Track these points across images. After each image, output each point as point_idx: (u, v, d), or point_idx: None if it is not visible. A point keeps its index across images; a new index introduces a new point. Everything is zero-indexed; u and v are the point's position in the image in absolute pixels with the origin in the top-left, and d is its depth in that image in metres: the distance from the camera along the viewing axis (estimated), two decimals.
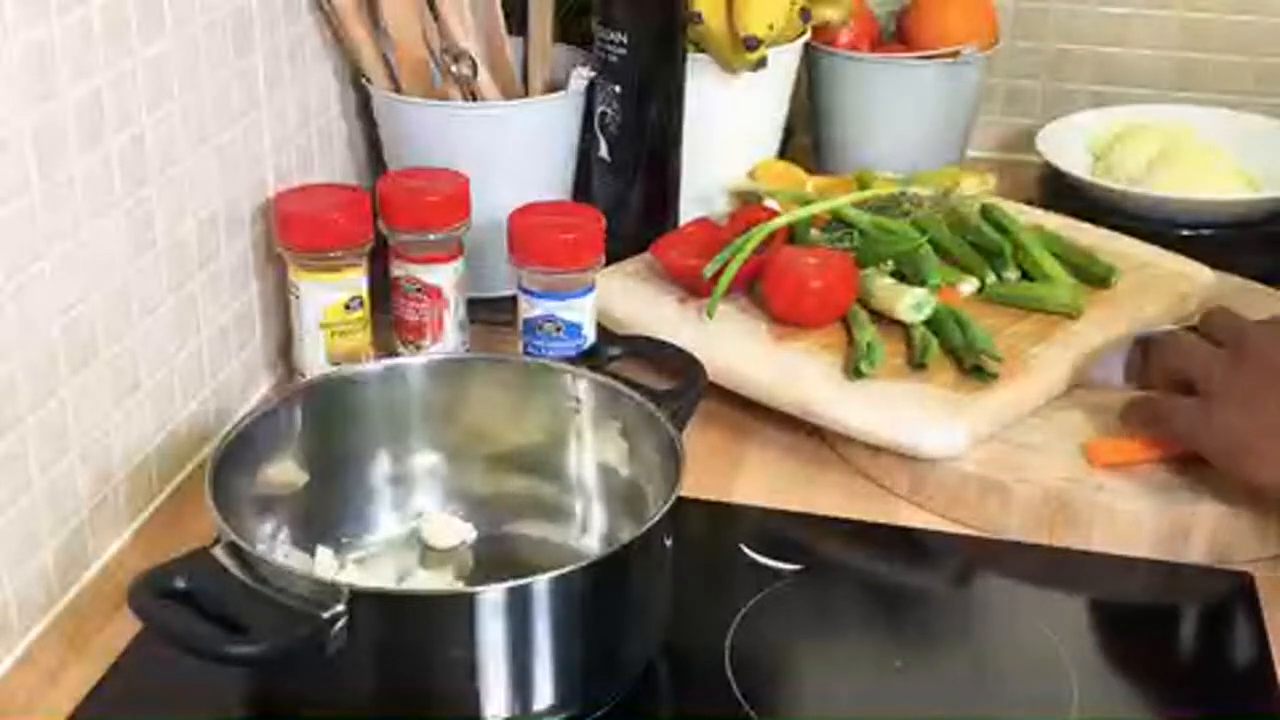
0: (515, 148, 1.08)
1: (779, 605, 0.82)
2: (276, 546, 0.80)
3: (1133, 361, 0.95)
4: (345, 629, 0.66)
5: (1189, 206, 1.21)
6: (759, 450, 0.97)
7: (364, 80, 1.10)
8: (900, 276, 1.04)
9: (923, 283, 1.02)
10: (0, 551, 0.76)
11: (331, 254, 0.96)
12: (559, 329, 0.97)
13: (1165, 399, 0.89)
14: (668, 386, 0.86)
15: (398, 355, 1.01)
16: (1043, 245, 1.07)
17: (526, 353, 0.98)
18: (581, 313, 0.97)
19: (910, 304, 1.00)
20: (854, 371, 0.95)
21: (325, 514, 0.83)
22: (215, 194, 0.93)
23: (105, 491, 0.84)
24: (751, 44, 1.11)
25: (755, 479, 0.94)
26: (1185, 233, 1.19)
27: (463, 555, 0.84)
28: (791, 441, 0.97)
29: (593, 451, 0.84)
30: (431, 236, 0.99)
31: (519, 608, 0.68)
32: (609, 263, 1.01)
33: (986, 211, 1.10)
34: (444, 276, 1.00)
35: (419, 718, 0.70)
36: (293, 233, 0.96)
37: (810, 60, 1.31)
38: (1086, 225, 1.16)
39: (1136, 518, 0.86)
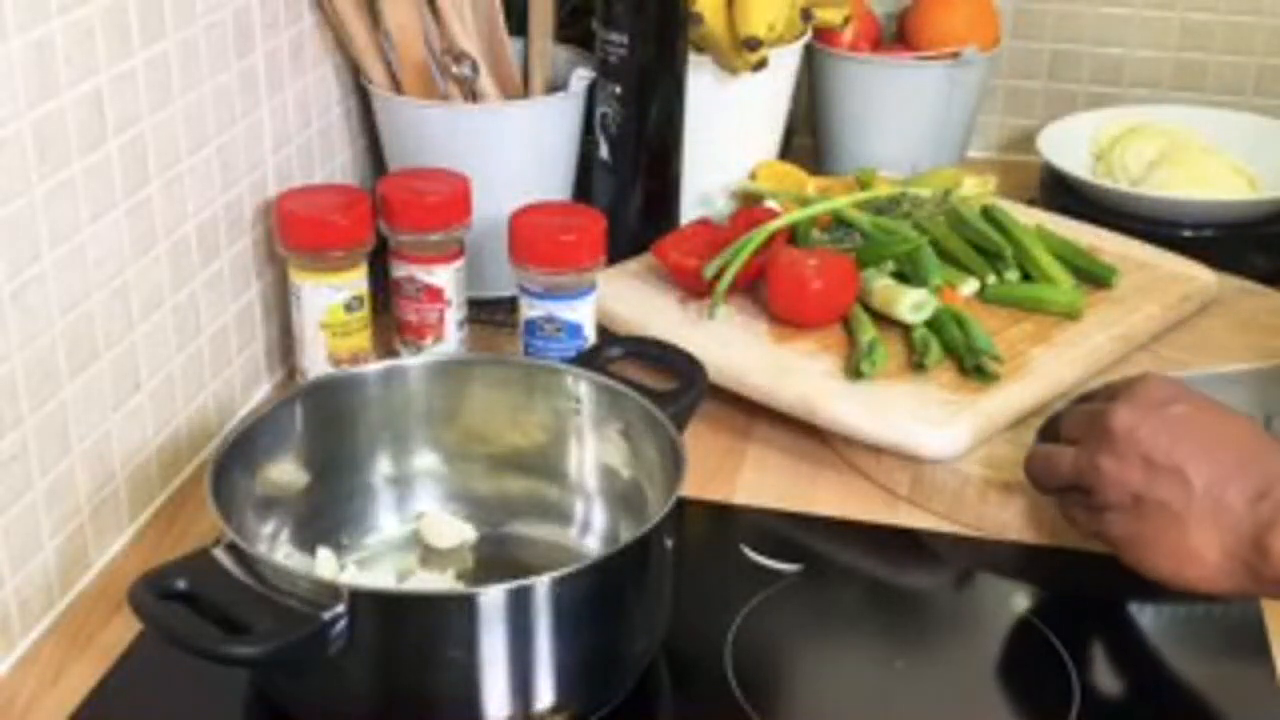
0: (515, 148, 1.08)
1: (779, 605, 0.82)
2: (277, 547, 0.80)
3: None
4: (345, 629, 0.66)
5: (1189, 207, 1.21)
6: (759, 451, 0.97)
7: (364, 81, 1.10)
8: (901, 277, 1.04)
9: (923, 283, 1.02)
10: (2, 551, 0.76)
11: (332, 255, 0.96)
12: (559, 329, 0.97)
13: (1063, 500, 0.83)
14: (668, 387, 0.86)
15: (398, 355, 1.01)
16: (1043, 246, 1.07)
17: (526, 353, 0.98)
18: (582, 313, 0.97)
19: (911, 305, 1.00)
20: (855, 372, 0.95)
21: (326, 515, 0.83)
22: (216, 194, 0.93)
23: (106, 492, 0.84)
24: (752, 45, 1.11)
25: (755, 479, 0.94)
26: (1186, 233, 1.19)
27: (463, 556, 0.84)
28: (791, 442, 0.97)
29: (593, 452, 0.84)
30: (432, 237, 0.99)
31: (519, 608, 0.68)
32: (610, 263, 1.01)
33: (987, 212, 1.10)
34: (444, 277, 1.00)
35: (419, 718, 0.70)
36: (293, 233, 0.96)
37: (811, 61, 1.31)
38: (1087, 226, 1.16)
39: None
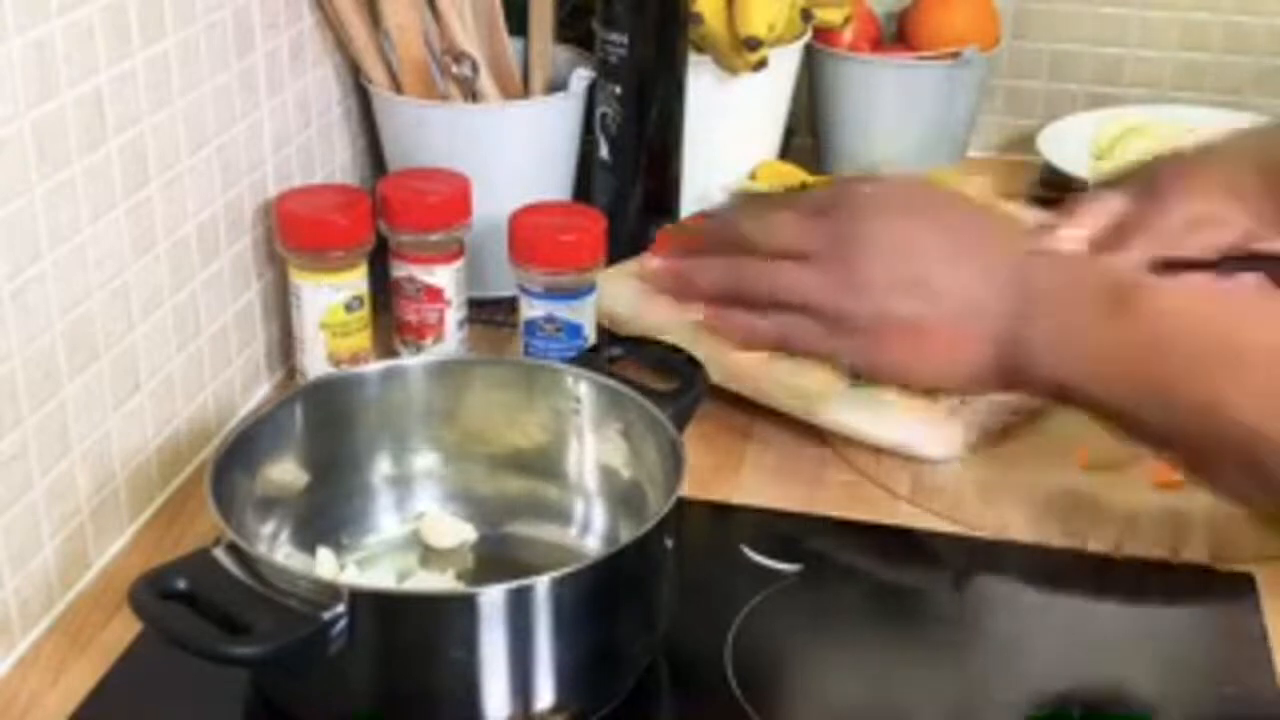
0: (515, 148, 1.08)
1: (779, 605, 0.82)
2: (277, 547, 0.80)
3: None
4: (346, 629, 0.66)
5: None
6: (759, 451, 0.97)
7: (364, 81, 1.10)
8: None
9: None
10: (1, 551, 0.76)
11: (332, 255, 0.96)
12: (559, 329, 0.97)
13: (797, 323, 0.77)
14: (668, 387, 0.86)
15: (398, 356, 1.01)
16: None
17: (526, 353, 0.98)
18: (582, 313, 0.97)
19: None
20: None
21: (326, 515, 0.83)
22: (216, 194, 0.93)
23: (106, 492, 0.84)
24: (752, 45, 1.11)
25: (755, 479, 0.94)
26: None
27: (463, 556, 0.84)
28: (792, 442, 0.97)
29: (593, 452, 0.84)
30: (432, 237, 0.99)
31: (520, 608, 0.68)
32: (610, 263, 1.01)
33: None
34: (444, 277, 1.00)
35: (419, 718, 0.70)
36: (293, 233, 0.96)
37: (811, 61, 1.31)
38: None
39: (1136, 518, 0.86)
